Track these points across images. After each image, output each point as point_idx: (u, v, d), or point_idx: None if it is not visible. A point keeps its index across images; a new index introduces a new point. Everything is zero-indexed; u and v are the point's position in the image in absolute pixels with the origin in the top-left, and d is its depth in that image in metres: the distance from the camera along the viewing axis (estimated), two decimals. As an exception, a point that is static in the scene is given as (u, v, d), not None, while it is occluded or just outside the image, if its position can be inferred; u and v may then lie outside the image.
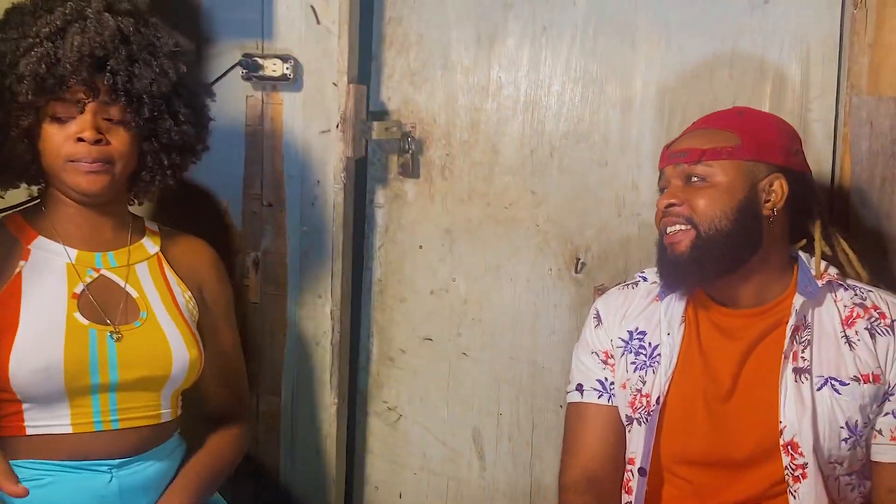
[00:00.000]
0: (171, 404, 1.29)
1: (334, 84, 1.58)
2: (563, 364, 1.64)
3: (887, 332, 1.22)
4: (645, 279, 1.39)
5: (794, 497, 1.19)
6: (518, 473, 1.69)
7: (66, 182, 1.21)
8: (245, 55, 1.58)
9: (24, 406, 1.15)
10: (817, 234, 1.29)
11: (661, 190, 1.30)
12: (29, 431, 1.16)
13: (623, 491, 1.32)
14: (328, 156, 1.60)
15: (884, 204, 1.44)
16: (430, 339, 1.71)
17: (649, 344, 1.32)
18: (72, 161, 1.19)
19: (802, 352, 1.22)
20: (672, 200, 1.25)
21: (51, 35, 1.17)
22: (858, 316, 1.24)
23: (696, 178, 1.24)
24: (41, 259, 1.23)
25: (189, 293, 1.33)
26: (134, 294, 1.26)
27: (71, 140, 1.18)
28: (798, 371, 1.22)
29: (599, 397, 1.35)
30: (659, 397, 1.26)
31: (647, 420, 1.27)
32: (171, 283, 1.32)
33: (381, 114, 1.69)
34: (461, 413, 1.71)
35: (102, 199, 1.25)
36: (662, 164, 1.31)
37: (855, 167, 1.45)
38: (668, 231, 1.26)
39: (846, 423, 1.20)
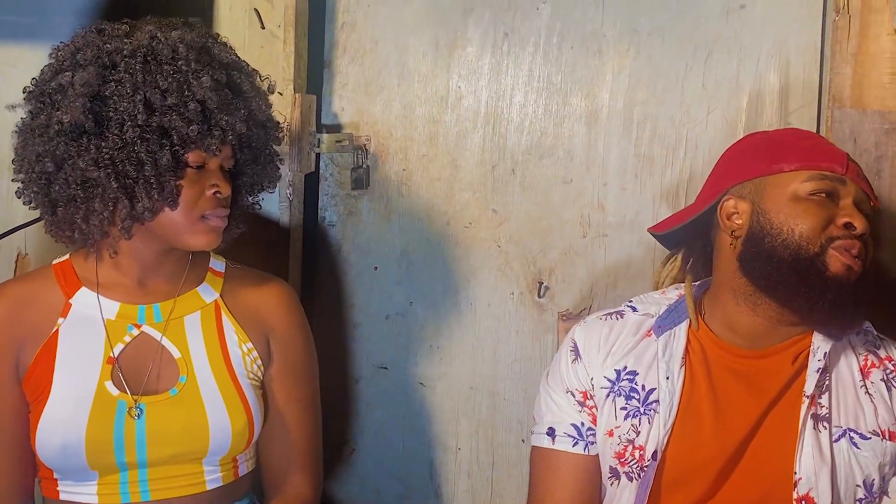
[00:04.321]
0: (223, 469, 1.15)
1: (280, 93, 1.48)
2: (526, 395, 1.54)
3: None
4: (634, 310, 1.21)
5: None
6: (477, 513, 1.58)
7: (184, 238, 1.09)
8: (183, 61, 1.47)
9: (56, 475, 1.13)
10: None
11: (820, 194, 1.09)
12: (62, 497, 1.13)
13: None
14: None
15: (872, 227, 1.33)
16: (386, 368, 1.60)
17: (642, 387, 1.14)
18: (204, 217, 1.09)
19: (819, 397, 1.10)
20: (867, 229, 1.07)
21: (194, 86, 1.07)
22: (874, 365, 1.13)
23: (866, 214, 1.10)
24: (81, 315, 1.13)
25: (250, 345, 1.18)
26: (176, 354, 1.13)
27: (206, 194, 1.09)
28: (817, 418, 1.08)
29: (574, 445, 1.17)
30: (656, 452, 1.10)
31: (639, 476, 1.11)
32: (227, 336, 1.17)
33: (335, 126, 1.59)
34: (417, 447, 1.60)
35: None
36: (843, 170, 1.10)
37: (838, 186, 1.34)
38: (843, 252, 1.06)
39: (863, 482, 1.07)
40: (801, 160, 1.10)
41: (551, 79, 1.51)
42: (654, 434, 1.11)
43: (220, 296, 1.20)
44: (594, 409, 1.17)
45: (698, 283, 1.22)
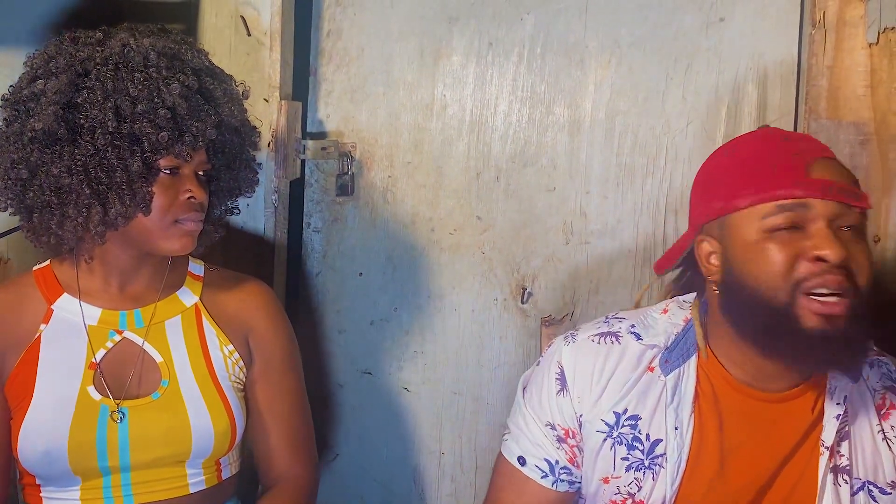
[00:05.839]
0: (206, 472, 1.16)
1: (265, 100, 1.48)
2: (509, 400, 1.53)
3: None
4: (637, 338, 1.04)
5: None
6: (460, 517, 1.59)
7: (158, 244, 1.10)
8: (169, 68, 1.48)
9: (38, 481, 1.12)
10: None
11: (781, 229, 0.92)
12: (45, 503, 1.13)
13: None
14: (259, 176, 1.50)
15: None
16: (370, 374, 1.61)
17: (647, 437, 1.01)
18: (177, 221, 1.10)
19: (839, 445, 0.99)
20: (846, 257, 0.89)
21: (168, 91, 1.07)
22: (893, 406, 1.01)
23: (847, 228, 0.92)
24: (63, 321, 1.13)
25: (231, 346, 1.18)
26: (158, 358, 1.14)
27: (180, 199, 1.09)
28: (836, 470, 0.98)
29: (542, 478, 1.07)
30: None
31: None
32: (209, 339, 1.17)
33: (320, 133, 1.60)
34: (401, 452, 1.61)
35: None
36: (807, 192, 0.91)
37: (813, 196, 1.37)
38: (819, 293, 0.89)
39: None
40: (754, 191, 0.93)
41: (535, 88, 1.53)
42: (658, 491, 1.00)
43: (200, 299, 1.20)
44: (576, 449, 1.06)
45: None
